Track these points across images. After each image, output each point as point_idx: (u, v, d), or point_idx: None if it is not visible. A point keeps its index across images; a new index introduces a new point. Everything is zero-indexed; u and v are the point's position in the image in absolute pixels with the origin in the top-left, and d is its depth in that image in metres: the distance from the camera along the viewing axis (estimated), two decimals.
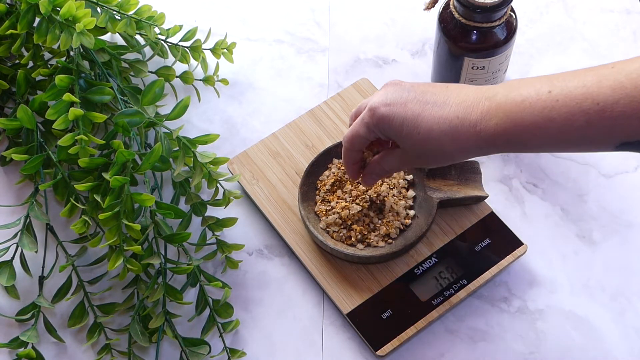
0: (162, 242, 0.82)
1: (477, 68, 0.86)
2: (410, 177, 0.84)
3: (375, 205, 0.81)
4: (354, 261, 0.81)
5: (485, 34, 0.83)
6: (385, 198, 0.82)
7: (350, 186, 0.82)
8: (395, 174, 0.83)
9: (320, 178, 0.85)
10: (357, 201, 0.81)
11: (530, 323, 0.81)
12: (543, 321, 0.81)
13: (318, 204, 0.83)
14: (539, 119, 0.63)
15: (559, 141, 0.64)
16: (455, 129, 0.66)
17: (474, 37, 0.83)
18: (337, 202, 0.82)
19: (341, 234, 0.81)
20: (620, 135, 0.61)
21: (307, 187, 0.84)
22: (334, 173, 0.84)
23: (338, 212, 0.81)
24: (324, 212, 0.82)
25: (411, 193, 0.83)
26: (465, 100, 0.67)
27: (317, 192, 0.84)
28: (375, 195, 0.81)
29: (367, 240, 0.81)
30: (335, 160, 0.85)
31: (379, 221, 0.81)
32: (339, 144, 0.85)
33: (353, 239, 0.81)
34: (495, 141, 0.65)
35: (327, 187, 0.83)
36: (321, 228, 0.82)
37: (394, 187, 0.83)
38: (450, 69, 0.88)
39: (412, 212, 0.82)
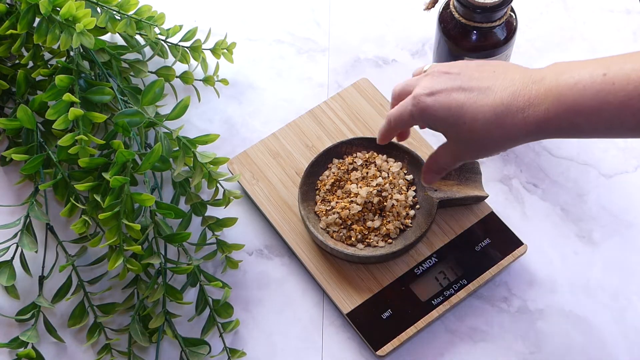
0: (162, 242, 0.82)
1: None
2: (410, 177, 0.84)
3: (376, 205, 0.81)
4: (354, 261, 0.81)
5: (485, 34, 0.83)
6: (386, 198, 0.82)
7: (350, 186, 0.82)
8: (395, 174, 0.83)
9: (320, 178, 0.84)
10: (357, 201, 0.81)
11: (530, 323, 0.81)
12: (543, 321, 0.81)
13: (318, 204, 0.83)
14: (594, 103, 0.61)
15: (613, 125, 0.62)
16: (501, 117, 0.64)
17: (474, 37, 0.83)
18: (337, 202, 0.82)
19: (341, 234, 0.81)
20: None
21: (307, 187, 0.84)
22: (334, 173, 0.84)
23: (338, 212, 0.81)
24: (324, 212, 0.82)
25: (411, 193, 0.83)
26: (510, 85, 0.65)
27: (317, 192, 0.84)
28: (375, 195, 0.81)
29: (367, 240, 0.81)
30: (336, 160, 0.85)
31: (379, 221, 0.81)
32: (339, 144, 0.85)
33: (353, 238, 0.81)
34: (546, 127, 0.63)
35: (327, 187, 0.83)
36: (321, 228, 0.82)
37: (394, 187, 0.82)
38: None
39: (412, 212, 0.82)
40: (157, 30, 0.88)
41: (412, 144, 0.88)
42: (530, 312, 0.82)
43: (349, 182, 0.83)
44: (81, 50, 0.85)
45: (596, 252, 0.85)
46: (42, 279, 0.83)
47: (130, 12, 0.86)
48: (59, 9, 0.81)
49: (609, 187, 0.88)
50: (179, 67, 0.96)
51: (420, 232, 0.80)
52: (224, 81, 0.95)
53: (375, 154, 0.85)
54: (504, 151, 0.69)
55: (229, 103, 0.95)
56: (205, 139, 0.81)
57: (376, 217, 0.81)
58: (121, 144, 0.78)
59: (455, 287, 0.80)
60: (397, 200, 0.82)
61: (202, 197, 0.85)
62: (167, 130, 0.81)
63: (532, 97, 0.64)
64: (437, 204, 0.81)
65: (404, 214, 0.82)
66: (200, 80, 0.95)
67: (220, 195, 0.84)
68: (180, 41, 0.92)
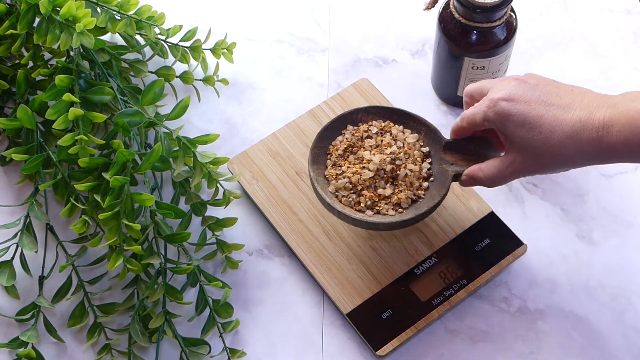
0: (162, 242, 0.82)
1: (477, 68, 0.86)
2: (426, 149, 0.81)
3: (388, 173, 0.79)
4: (362, 227, 0.78)
5: (485, 34, 0.83)
6: (399, 167, 0.79)
7: (363, 152, 0.80)
8: (411, 145, 0.81)
9: (333, 143, 0.82)
10: (369, 167, 0.79)
11: (530, 323, 0.81)
12: (543, 321, 0.81)
13: (328, 168, 0.81)
14: None
15: None
16: (578, 133, 0.67)
17: (474, 37, 0.83)
18: (348, 167, 0.80)
19: (350, 199, 0.79)
20: None
21: (319, 150, 0.81)
22: (347, 139, 0.81)
23: (348, 177, 0.79)
24: (334, 176, 0.80)
25: (426, 165, 0.80)
26: (588, 106, 0.68)
27: (328, 156, 0.81)
28: (388, 163, 0.79)
29: (376, 208, 0.78)
30: (350, 127, 0.82)
31: (391, 189, 0.79)
32: (355, 111, 0.82)
33: (362, 204, 0.78)
34: (617, 150, 0.66)
35: (339, 152, 0.81)
36: (330, 192, 0.79)
37: (408, 157, 0.80)
38: (450, 69, 0.88)
39: (425, 184, 0.80)
40: (157, 30, 0.88)
41: None
42: (530, 312, 0.82)
43: (362, 148, 0.81)
44: (81, 50, 0.85)
45: (596, 252, 0.85)
46: (42, 279, 0.83)
47: (130, 12, 0.86)
48: (59, 9, 0.81)
49: (609, 187, 0.88)
50: (179, 67, 0.96)
51: (432, 203, 0.78)
52: (224, 81, 0.95)
53: (391, 123, 0.82)
54: (567, 169, 0.71)
55: (229, 103, 0.95)
56: (205, 139, 0.81)
57: (388, 185, 0.79)
58: (121, 144, 0.78)
59: (455, 287, 0.80)
60: (410, 170, 0.79)
61: (202, 197, 0.85)
62: (167, 130, 0.81)
63: (606, 119, 0.66)
64: (452, 177, 0.78)
65: (417, 184, 0.79)
66: (200, 80, 0.95)
67: (220, 195, 0.84)
68: (180, 41, 0.92)
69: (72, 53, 0.85)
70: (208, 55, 0.96)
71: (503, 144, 0.74)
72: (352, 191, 0.79)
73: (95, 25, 0.83)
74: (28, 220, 0.82)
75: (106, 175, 0.76)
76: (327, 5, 1.02)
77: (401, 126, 0.82)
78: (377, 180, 0.79)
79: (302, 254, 0.83)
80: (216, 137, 0.81)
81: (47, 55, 0.94)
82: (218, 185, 0.83)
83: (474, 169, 0.75)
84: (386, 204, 0.78)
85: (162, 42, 0.91)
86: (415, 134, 0.81)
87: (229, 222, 0.84)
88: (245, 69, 0.98)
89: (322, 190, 0.79)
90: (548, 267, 0.84)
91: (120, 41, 0.94)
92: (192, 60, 0.94)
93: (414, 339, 0.81)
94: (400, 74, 0.96)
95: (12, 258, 0.81)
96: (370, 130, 0.81)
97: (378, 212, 0.78)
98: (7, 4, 0.87)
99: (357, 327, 0.79)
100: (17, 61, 0.91)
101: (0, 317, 0.83)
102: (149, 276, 0.82)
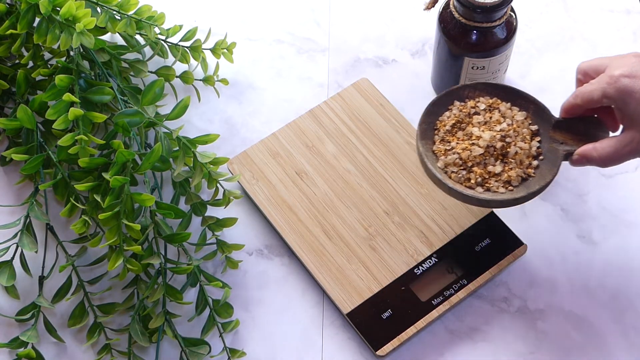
0: (162, 242, 0.82)
1: (477, 68, 0.86)
2: (535, 127, 0.80)
3: (498, 150, 0.78)
4: (472, 204, 0.78)
5: (485, 34, 0.83)
6: (509, 144, 0.78)
7: (471, 129, 0.79)
8: (519, 123, 0.80)
9: (440, 118, 0.81)
10: (479, 144, 0.78)
11: (530, 323, 0.81)
12: (543, 321, 0.81)
13: (436, 143, 0.80)
14: None
15: None
16: None
17: (474, 37, 0.83)
18: (457, 143, 0.79)
19: (460, 175, 0.78)
20: None
21: (426, 125, 0.81)
22: (455, 114, 0.81)
23: (458, 153, 0.78)
24: (442, 152, 0.79)
25: (535, 143, 0.80)
26: None
27: (435, 131, 0.81)
28: (498, 140, 0.78)
29: (486, 185, 0.78)
30: (457, 103, 0.82)
31: (501, 167, 0.78)
32: (462, 87, 0.82)
33: (472, 181, 0.78)
34: None
35: (447, 127, 0.80)
36: (439, 167, 0.79)
37: (517, 135, 0.79)
38: (450, 69, 0.88)
39: (535, 163, 0.79)
40: (157, 30, 0.88)
41: (411, 144, 0.88)
42: (530, 312, 0.82)
43: (470, 125, 0.80)
44: (81, 50, 0.85)
45: (596, 252, 0.85)
46: (42, 279, 0.83)
47: (130, 12, 0.86)
48: (59, 8, 0.81)
49: (609, 187, 0.88)
50: (179, 67, 0.96)
51: (544, 182, 0.77)
52: (224, 81, 0.95)
53: (499, 100, 0.81)
54: None
55: (229, 103, 0.95)
56: (205, 139, 0.81)
57: (498, 162, 0.78)
58: (121, 144, 0.78)
59: (455, 287, 0.80)
60: (520, 148, 0.78)
61: (202, 197, 0.85)
62: (167, 130, 0.81)
63: None
64: (562, 156, 0.78)
65: (527, 162, 0.79)
66: (200, 80, 0.95)
67: (220, 195, 0.84)
68: (180, 41, 0.92)
69: (72, 53, 0.85)
70: (208, 55, 0.96)
71: (614, 125, 0.74)
72: (462, 167, 0.78)
73: (95, 25, 0.83)
74: (28, 220, 0.82)
75: (106, 175, 0.76)
76: (327, 5, 1.02)
77: (509, 103, 0.81)
78: (487, 157, 0.78)
79: (302, 254, 0.83)
80: (216, 137, 0.81)
81: (47, 55, 0.94)
82: (218, 185, 0.83)
83: (588, 148, 0.74)
84: (496, 181, 0.78)
85: (162, 42, 0.91)
86: (524, 112, 0.81)
87: (229, 222, 0.84)
88: (245, 69, 0.98)
89: (432, 165, 0.78)
90: (548, 267, 0.84)
91: (120, 41, 0.94)
92: (192, 60, 0.94)
93: (414, 339, 0.81)
94: (400, 74, 0.96)
95: (12, 258, 0.81)
96: (477, 106, 0.81)
97: (488, 190, 0.78)
98: (7, 4, 0.87)
99: (357, 327, 0.79)
100: (17, 61, 0.91)
101: (0, 317, 0.83)
102: (149, 276, 0.82)
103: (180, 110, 0.81)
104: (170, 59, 0.95)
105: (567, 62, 0.96)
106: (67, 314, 0.82)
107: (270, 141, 0.89)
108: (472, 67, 0.85)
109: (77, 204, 0.81)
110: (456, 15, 0.83)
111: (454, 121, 0.80)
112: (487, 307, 0.82)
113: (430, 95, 0.94)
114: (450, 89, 0.82)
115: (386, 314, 0.79)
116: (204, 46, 0.93)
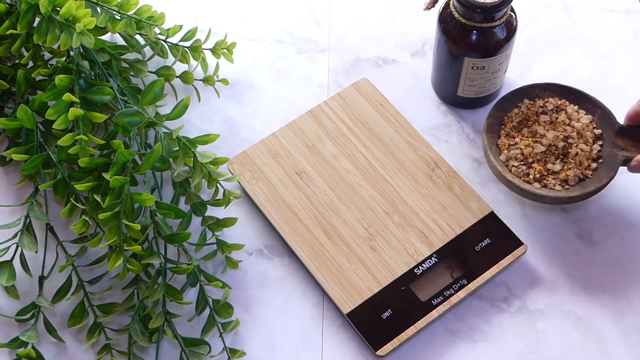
0: (162, 242, 0.82)
1: (477, 68, 0.86)
2: (599, 131, 0.84)
3: (559, 149, 0.82)
4: (528, 198, 0.81)
5: (485, 34, 0.83)
6: (571, 145, 0.82)
7: (537, 127, 0.83)
8: (584, 126, 0.83)
9: (508, 115, 0.85)
10: (542, 142, 0.82)
11: (530, 323, 0.81)
12: (543, 321, 0.81)
13: (502, 137, 0.84)
14: None
15: None
16: None
17: (474, 37, 0.83)
18: (521, 139, 0.83)
19: (520, 170, 0.82)
20: None
21: (494, 119, 0.85)
22: (523, 112, 0.85)
23: (521, 148, 0.82)
24: (506, 146, 0.83)
25: (596, 147, 0.83)
26: None
27: (502, 126, 0.85)
28: (561, 140, 0.82)
29: (544, 181, 0.81)
30: (526, 101, 0.86)
31: (560, 166, 0.82)
32: (533, 86, 0.86)
33: (531, 176, 0.81)
34: None
35: (514, 123, 0.84)
36: (501, 160, 0.83)
37: (580, 137, 0.83)
38: (450, 69, 0.88)
39: (594, 165, 0.82)
40: (157, 30, 0.88)
41: (411, 144, 0.88)
42: (530, 312, 0.82)
43: (536, 123, 0.84)
44: (81, 50, 0.85)
45: (596, 252, 0.85)
46: (42, 279, 0.83)
47: (130, 12, 0.86)
48: (59, 9, 0.81)
49: (608, 187, 0.88)
50: (179, 67, 0.96)
51: (600, 184, 0.80)
52: (224, 81, 0.95)
53: (567, 102, 0.85)
54: None
55: (229, 103, 0.95)
56: (205, 139, 0.81)
57: (557, 161, 0.82)
58: (121, 144, 0.78)
59: (455, 287, 0.80)
60: (581, 149, 0.82)
61: (202, 197, 0.85)
62: (167, 130, 0.81)
63: None
64: (621, 161, 0.81)
65: (586, 164, 0.82)
66: (200, 80, 0.95)
67: (220, 195, 0.84)
68: (180, 41, 0.92)
69: (72, 53, 0.85)
70: (208, 55, 0.96)
71: None
72: (522, 162, 0.82)
73: (95, 25, 0.83)
74: (28, 220, 0.82)
75: (106, 176, 0.76)
76: (327, 5, 1.02)
77: (576, 106, 0.85)
78: (548, 155, 0.82)
79: (302, 254, 0.83)
80: (216, 137, 0.81)
81: (47, 55, 0.94)
82: (218, 185, 0.83)
83: None
84: (554, 178, 0.81)
85: (162, 42, 0.91)
86: (590, 115, 0.84)
87: (229, 222, 0.84)
88: (245, 69, 0.98)
89: (494, 157, 0.82)
90: (548, 267, 0.84)
91: (120, 41, 0.94)
92: (192, 60, 0.94)
93: (414, 339, 0.81)
94: (400, 74, 0.96)
95: (12, 258, 0.81)
96: (546, 106, 0.85)
97: (545, 186, 0.81)
98: (7, 4, 0.87)
99: (357, 327, 0.79)
100: (17, 61, 0.91)
101: (0, 317, 0.83)
102: (149, 276, 0.82)
103: (180, 110, 0.81)
104: (170, 59, 0.95)
105: (567, 62, 0.96)
106: (67, 314, 0.82)
107: (270, 141, 0.89)
108: (472, 67, 0.86)
109: (77, 204, 0.81)
110: (456, 15, 0.83)
111: (521, 118, 0.84)
112: (487, 307, 0.82)
113: (431, 95, 0.94)
114: (522, 87, 0.85)
115: (386, 314, 0.79)
116: (204, 46, 0.93)
